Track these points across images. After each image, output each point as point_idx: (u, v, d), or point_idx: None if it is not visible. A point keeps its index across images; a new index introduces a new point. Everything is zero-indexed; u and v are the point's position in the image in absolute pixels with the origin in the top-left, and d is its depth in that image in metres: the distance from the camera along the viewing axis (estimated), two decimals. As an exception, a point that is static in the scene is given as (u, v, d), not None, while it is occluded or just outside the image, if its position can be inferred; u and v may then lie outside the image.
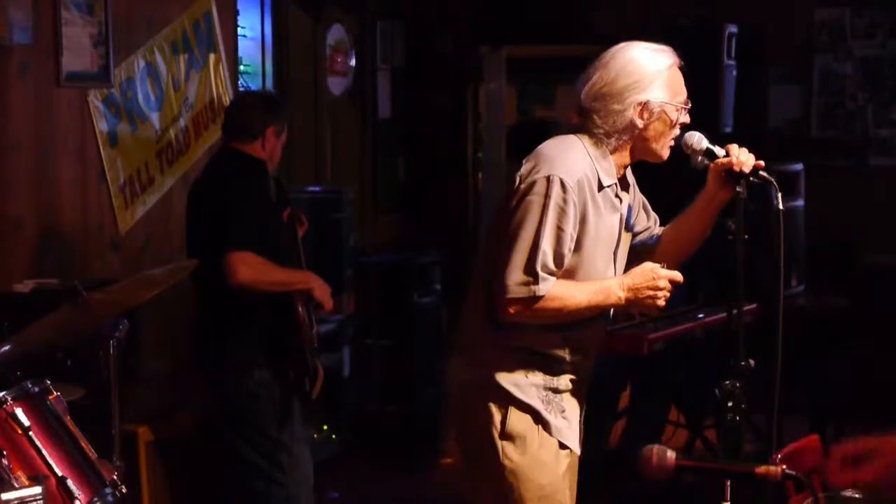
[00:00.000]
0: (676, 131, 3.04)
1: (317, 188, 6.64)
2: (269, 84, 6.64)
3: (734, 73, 6.43)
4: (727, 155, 3.00)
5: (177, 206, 5.32)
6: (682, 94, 3.03)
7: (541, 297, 2.92)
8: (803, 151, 7.27)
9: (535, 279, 2.91)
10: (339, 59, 7.23)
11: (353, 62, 7.36)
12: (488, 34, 8.12)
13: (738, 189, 2.95)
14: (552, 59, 8.28)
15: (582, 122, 3.04)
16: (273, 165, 4.40)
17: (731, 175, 2.97)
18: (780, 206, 2.85)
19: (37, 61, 4.86)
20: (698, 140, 3.04)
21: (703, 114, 3.25)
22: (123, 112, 5.33)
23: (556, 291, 2.94)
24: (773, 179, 2.93)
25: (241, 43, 6.33)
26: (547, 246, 2.91)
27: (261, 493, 4.26)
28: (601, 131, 3.01)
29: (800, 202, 6.39)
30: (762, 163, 2.97)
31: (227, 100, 5.86)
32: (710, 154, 3.02)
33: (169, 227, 5.46)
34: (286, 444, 4.27)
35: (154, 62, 5.53)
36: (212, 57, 5.92)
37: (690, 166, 3.07)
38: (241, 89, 6.18)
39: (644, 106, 2.98)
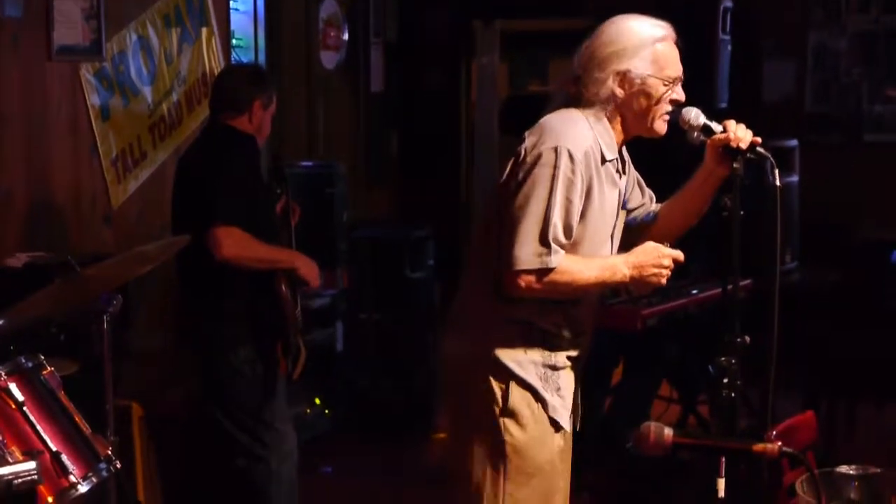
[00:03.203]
0: (666, 107, 3.01)
1: (309, 163, 6.62)
2: (262, 58, 6.60)
3: (729, 48, 6.41)
4: (724, 131, 2.98)
5: (169, 180, 5.27)
6: (672, 69, 3.00)
7: (552, 270, 2.91)
8: (797, 127, 7.27)
9: (548, 250, 2.90)
10: (331, 34, 7.20)
11: (345, 36, 7.33)
12: (481, 8, 8.10)
13: (734, 165, 2.93)
14: (545, 33, 8.26)
15: (576, 90, 3.03)
16: (262, 139, 4.37)
17: (728, 151, 2.96)
18: (778, 183, 2.84)
19: (28, 35, 4.83)
20: (695, 116, 3.02)
21: (698, 89, 3.24)
22: (115, 86, 5.30)
23: (566, 265, 2.93)
24: (769, 155, 2.92)
25: (234, 16, 6.30)
26: (557, 217, 2.91)
27: (244, 470, 4.27)
28: (588, 101, 3.00)
29: (794, 178, 6.38)
30: (759, 139, 2.97)
31: (219, 74, 5.83)
32: (707, 130, 3.01)
33: (161, 201, 5.43)
34: (269, 421, 4.28)
35: (146, 36, 5.50)
36: (204, 31, 5.89)
37: (687, 142, 3.06)
38: (233, 63, 6.15)
39: (623, 76, 2.98)
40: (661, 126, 3.05)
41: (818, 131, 7.47)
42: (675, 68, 3.02)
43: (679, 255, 3.00)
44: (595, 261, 3.00)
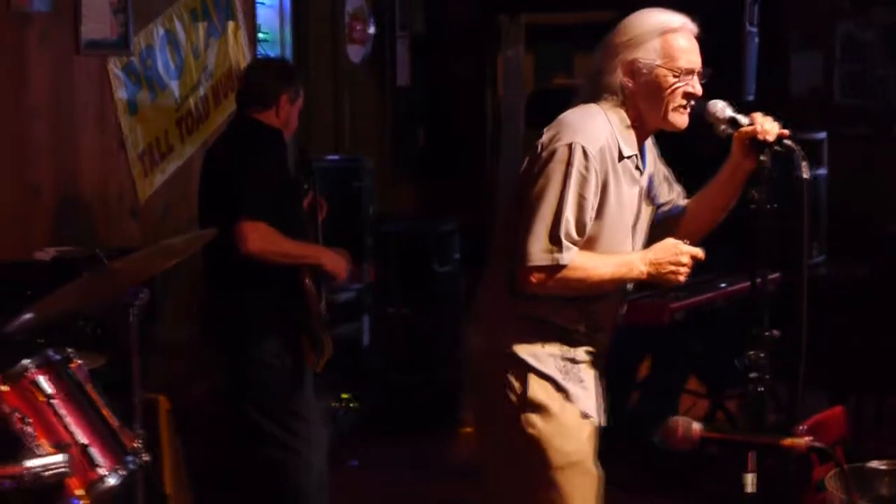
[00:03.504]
0: (680, 100, 2.98)
1: (336, 157, 6.63)
2: (288, 52, 6.61)
3: (756, 40, 6.37)
4: (751, 123, 2.96)
5: (196, 174, 5.27)
6: (684, 61, 2.97)
7: (564, 266, 2.90)
8: (825, 119, 7.22)
9: (559, 247, 2.89)
10: (357, 27, 7.20)
11: (371, 30, 7.33)
12: (506, 2, 8.08)
13: (761, 158, 2.91)
14: (571, 26, 8.25)
15: (596, 84, 3.02)
16: (289, 133, 4.38)
17: (755, 144, 2.94)
18: (806, 175, 2.82)
19: (56, 29, 4.85)
20: (722, 109, 3.00)
21: (725, 82, 3.21)
22: (143, 80, 5.32)
23: (579, 261, 2.92)
24: (797, 148, 2.90)
25: (260, 10, 6.31)
26: (570, 214, 2.90)
27: (276, 461, 4.27)
28: (606, 92, 3.00)
29: (822, 171, 6.35)
30: (787, 131, 2.94)
31: (245, 68, 5.85)
32: (733, 123, 2.99)
33: (188, 195, 5.45)
34: (300, 412, 4.28)
35: (173, 30, 5.51)
36: (230, 25, 5.90)
37: (713, 136, 3.04)
38: (260, 57, 6.16)
39: (630, 65, 2.97)
40: (677, 118, 3.01)
41: (846, 124, 7.41)
42: (688, 60, 2.98)
43: (699, 252, 2.99)
44: (611, 257, 2.99)
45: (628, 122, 3.01)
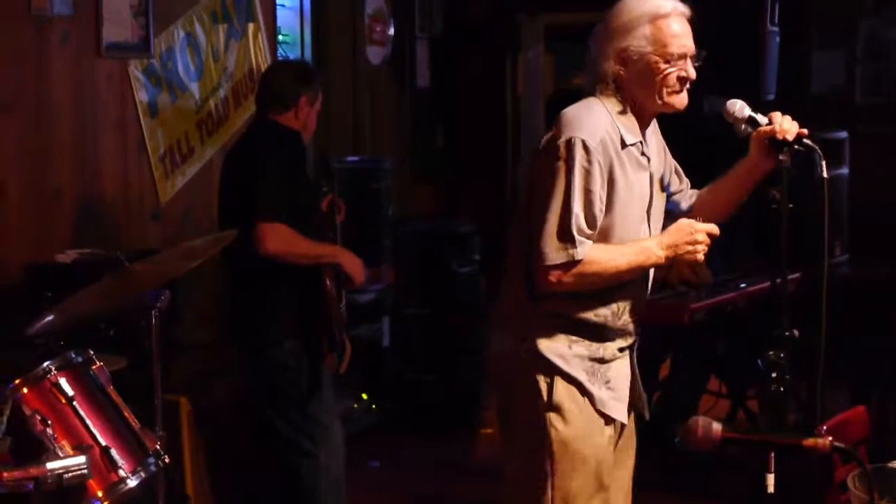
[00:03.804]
0: (674, 84, 2.97)
1: (355, 158, 6.63)
2: (308, 54, 6.63)
3: (777, 39, 6.34)
4: (770, 123, 2.96)
5: (216, 176, 5.29)
6: (675, 46, 2.95)
7: (579, 262, 2.90)
8: (847, 119, 7.18)
9: (573, 243, 2.89)
10: (377, 29, 7.21)
11: (391, 31, 7.33)
12: (526, 2, 8.07)
13: (781, 157, 2.90)
14: (591, 26, 8.22)
15: (591, 74, 3.02)
16: (308, 135, 4.39)
17: (774, 143, 2.93)
18: (825, 175, 2.80)
19: (77, 32, 4.87)
20: (740, 108, 3.00)
21: (746, 81, 3.21)
22: (163, 82, 5.34)
23: (594, 255, 2.92)
24: (816, 147, 2.89)
25: (280, 12, 6.32)
26: (578, 209, 2.89)
27: (293, 464, 4.28)
28: (601, 82, 2.99)
29: (844, 170, 6.31)
30: (805, 130, 2.93)
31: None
32: (752, 122, 2.98)
33: (209, 197, 5.46)
34: (317, 416, 4.29)
35: (194, 32, 5.53)
36: (251, 27, 5.92)
37: (731, 134, 3.03)
38: (279, 59, 6.17)
39: (620, 52, 2.97)
40: (674, 100, 2.99)
41: (868, 123, 7.37)
42: (680, 45, 2.97)
43: (713, 228, 2.98)
44: (627, 246, 2.98)
45: (626, 110, 3.00)
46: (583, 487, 3.04)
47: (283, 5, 6.41)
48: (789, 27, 6.51)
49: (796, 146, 2.91)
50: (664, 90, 2.97)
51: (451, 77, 7.92)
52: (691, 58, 2.99)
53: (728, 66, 3.06)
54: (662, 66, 2.95)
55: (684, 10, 3.00)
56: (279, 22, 6.30)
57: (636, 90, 2.99)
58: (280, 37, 6.36)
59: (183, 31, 5.46)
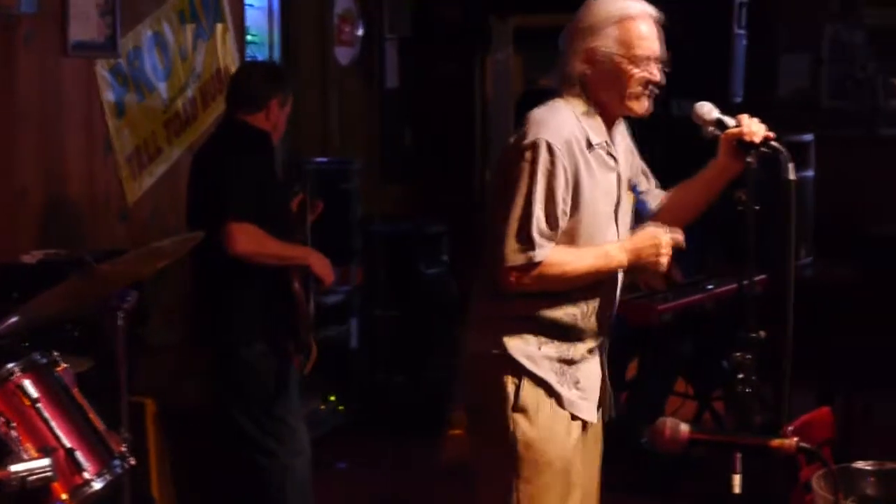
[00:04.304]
0: (638, 87, 2.99)
1: (324, 159, 6.62)
2: (276, 54, 6.61)
3: (744, 42, 6.38)
4: (738, 125, 2.97)
5: (184, 176, 5.26)
6: (642, 48, 2.97)
7: (539, 264, 2.91)
8: (813, 121, 7.23)
9: (532, 245, 2.90)
10: (346, 29, 7.20)
11: (360, 32, 7.33)
12: (495, 3, 8.08)
13: (748, 160, 2.92)
14: (560, 28, 8.24)
15: (559, 75, 3.03)
16: (278, 136, 4.38)
17: (741, 145, 2.95)
18: (792, 177, 2.82)
19: (43, 31, 4.84)
20: (708, 111, 3.02)
21: (713, 84, 3.23)
22: (130, 82, 5.31)
23: (555, 257, 2.93)
24: (784, 150, 2.91)
25: (248, 12, 6.30)
26: (539, 211, 2.91)
27: (259, 466, 4.27)
28: (567, 82, 3.00)
29: (809, 172, 6.35)
30: (772, 133, 2.95)
31: (233, 70, 5.84)
32: (720, 124, 3.00)
33: (176, 197, 5.44)
34: (283, 417, 4.28)
35: (161, 32, 5.50)
36: (219, 27, 5.89)
37: (701, 138, 3.05)
38: (247, 59, 6.15)
39: (587, 53, 2.98)
40: (635, 105, 3.01)
41: (834, 126, 7.43)
42: (647, 48, 2.99)
43: (678, 237, 2.99)
44: (588, 249, 2.99)
45: (592, 110, 3.01)
46: (549, 488, 3.05)
47: (251, 5, 6.39)
48: (756, 30, 6.55)
49: (763, 148, 2.93)
50: (627, 92, 2.98)
51: (421, 78, 7.92)
52: (659, 61, 3.00)
53: (696, 68, 3.08)
54: (628, 67, 2.96)
55: (653, 13, 3.02)
56: (248, 22, 6.28)
57: (600, 91, 3.00)
58: (248, 37, 6.34)
59: (150, 31, 5.43)
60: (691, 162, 3.15)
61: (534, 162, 2.91)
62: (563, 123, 2.96)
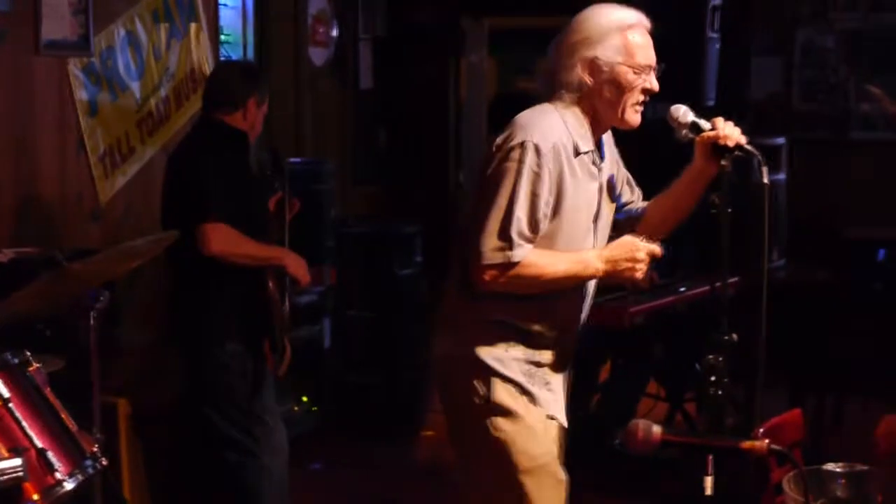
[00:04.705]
0: (638, 96, 3.01)
1: (297, 159, 6.61)
2: (250, 54, 6.60)
3: (717, 45, 6.41)
4: (713, 128, 2.98)
5: (157, 176, 5.26)
6: (642, 57, 2.99)
7: (516, 264, 2.91)
8: (785, 125, 7.28)
9: (510, 245, 2.90)
10: (320, 30, 7.19)
11: (334, 32, 7.32)
12: (470, 5, 8.09)
13: (722, 163, 2.93)
14: (533, 30, 8.26)
15: (550, 84, 3.03)
16: (254, 136, 4.37)
17: (716, 149, 2.96)
18: (766, 181, 2.84)
19: (15, 29, 4.81)
20: (684, 113, 3.02)
21: (686, 87, 3.24)
22: (103, 81, 5.29)
23: (532, 258, 2.93)
24: (757, 153, 2.92)
25: (222, 12, 6.28)
26: (521, 212, 2.91)
27: (235, 464, 4.26)
28: (563, 90, 3.00)
29: (782, 176, 6.39)
30: (744, 137, 2.97)
31: (207, 70, 5.83)
32: (695, 128, 3.01)
33: (149, 197, 5.42)
34: (259, 416, 4.27)
35: (135, 31, 5.48)
36: (193, 26, 5.87)
37: (673, 141, 3.06)
38: (221, 59, 6.14)
39: (591, 62, 2.98)
40: (632, 117, 3.03)
41: (805, 129, 7.48)
42: (646, 57, 3.01)
43: (656, 249, 3.00)
44: (566, 254, 3.00)
45: (582, 119, 3.02)
46: (540, 484, 3.05)
47: (225, 5, 6.37)
48: (729, 34, 6.58)
49: (738, 152, 2.94)
50: (629, 102, 3.00)
51: (395, 79, 7.92)
52: (654, 70, 3.02)
53: (669, 71, 3.08)
54: (631, 77, 2.98)
55: (647, 22, 3.04)
56: (221, 21, 6.26)
57: (600, 101, 3.01)
58: (222, 37, 6.33)
59: (123, 30, 5.41)
60: (666, 164, 3.16)
61: (520, 162, 2.91)
62: (551, 128, 2.96)
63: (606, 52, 2.97)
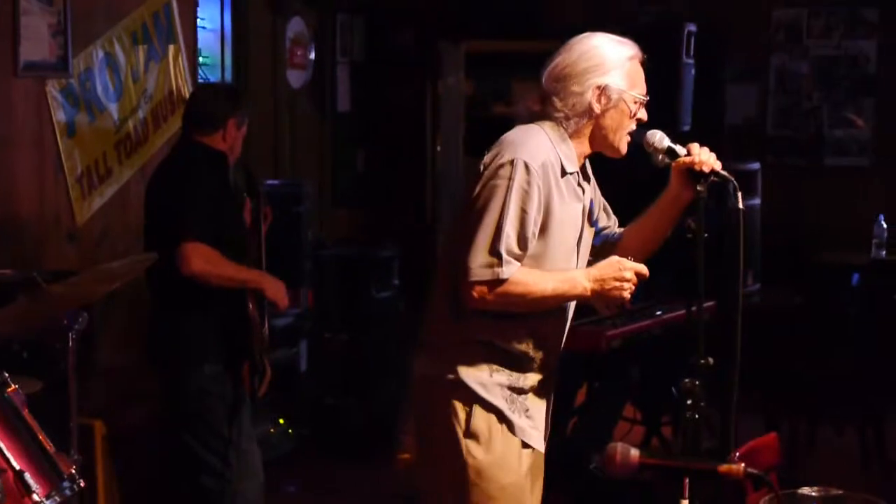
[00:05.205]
0: (633, 125, 3.05)
1: (275, 181, 6.61)
2: (228, 76, 6.61)
3: (693, 71, 6.47)
4: (688, 154, 3.02)
5: (134, 197, 5.29)
6: (642, 87, 3.05)
7: (504, 281, 2.92)
8: (759, 150, 7.35)
9: (500, 261, 2.91)
10: (298, 52, 7.21)
11: (312, 55, 7.34)
12: (447, 28, 8.14)
13: (698, 188, 2.96)
14: (510, 54, 8.31)
15: (542, 107, 3.06)
16: (234, 158, 4.38)
17: (692, 174, 2.99)
18: (741, 205, 2.87)
19: (-6, 50, 4.81)
20: (660, 139, 3.05)
21: (661, 112, 3.27)
22: (82, 102, 5.29)
23: (520, 276, 2.94)
24: (732, 179, 2.95)
25: (201, 34, 6.29)
26: (510, 229, 2.92)
27: (208, 489, 4.24)
28: (561, 115, 3.03)
29: (756, 201, 6.45)
30: (719, 163, 3.00)
31: (186, 92, 5.83)
32: (671, 153, 3.04)
33: (126, 219, 5.42)
34: (234, 440, 4.26)
35: (113, 53, 5.49)
36: (171, 48, 5.88)
37: (649, 165, 3.09)
38: (200, 81, 6.15)
39: (602, 90, 3.00)
40: (623, 145, 3.08)
41: (780, 154, 7.55)
42: (643, 87, 3.06)
43: (643, 269, 3.02)
44: (554, 273, 3.01)
45: (569, 141, 3.04)
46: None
47: (204, 27, 6.39)
48: (704, 60, 6.64)
49: (713, 177, 2.97)
50: (626, 131, 3.04)
51: (372, 102, 7.95)
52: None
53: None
54: (633, 106, 3.02)
55: (641, 53, 3.08)
56: (200, 44, 6.27)
57: (599, 128, 3.04)
58: (201, 59, 6.34)
59: (102, 52, 5.42)
60: (641, 189, 3.19)
61: (510, 179, 2.92)
62: (539, 147, 2.99)
63: (616, 81, 3.00)
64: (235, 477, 4.26)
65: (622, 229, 3.28)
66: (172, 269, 3.98)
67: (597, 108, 3.01)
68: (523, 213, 2.93)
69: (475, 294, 2.93)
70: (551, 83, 3.04)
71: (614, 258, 3.02)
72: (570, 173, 3.03)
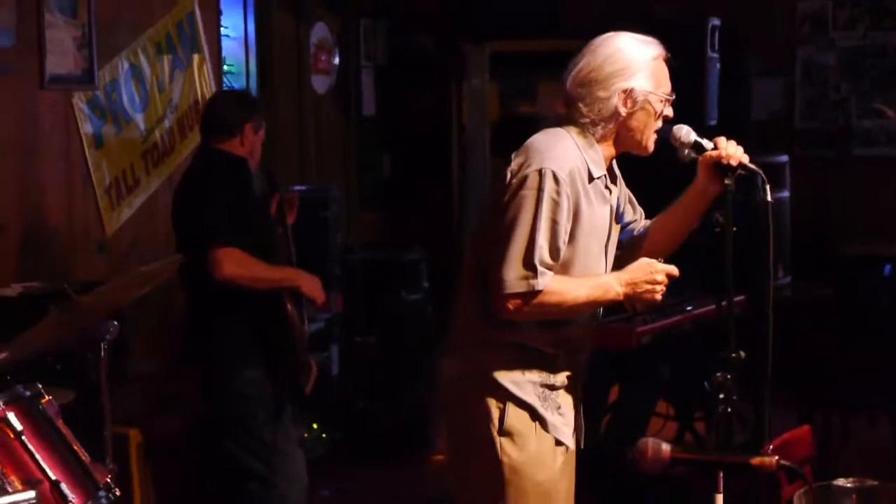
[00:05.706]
0: (660, 123, 3.05)
1: (302, 187, 6.63)
2: (253, 84, 6.63)
3: (717, 66, 6.44)
4: (715, 148, 3.01)
5: (162, 207, 5.31)
6: (667, 86, 3.04)
7: (539, 292, 2.92)
8: (787, 143, 7.31)
9: (534, 273, 2.90)
10: (322, 58, 7.23)
11: (336, 60, 7.36)
12: (471, 30, 8.14)
13: (726, 182, 2.95)
14: (534, 54, 8.30)
15: (568, 111, 3.05)
16: (255, 163, 4.39)
17: (719, 168, 2.98)
18: (769, 198, 2.85)
19: (20, 64, 4.85)
20: (686, 133, 3.04)
21: (687, 107, 3.26)
22: (108, 114, 5.32)
23: (554, 286, 2.94)
24: (760, 171, 2.94)
25: (225, 43, 6.32)
26: (542, 240, 2.91)
27: (252, 495, 4.24)
28: (587, 119, 3.01)
29: (785, 193, 6.41)
30: (747, 156, 2.99)
31: (211, 100, 5.85)
32: (698, 147, 3.03)
33: (155, 228, 5.46)
34: (277, 445, 4.26)
35: (138, 64, 5.52)
36: (196, 57, 5.91)
37: (676, 160, 3.08)
38: (221, 89, 6.17)
39: (628, 94, 2.99)
40: (651, 144, 3.07)
41: (807, 147, 7.51)
42: (668, 85, 3.05)
43: (673, 269, 3.01)
44: (586, 280, 3.01)
45: (595, 144, 3.04)
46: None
47: (227, 35, 6.41)
48: (729, 54, 6.61)
49: (741, 170, 2.96)
50: (653, 131, 3.03)
51: (397, 105, 7.96)
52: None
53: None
54: (659, 106, 3.01)
55: (664, 51, 3.07)
56: (224, 52, 6.30)
57: (627, 130, 3.03)
58: (225, 67, 6.36)
59: (127, 63, 5.45)
60: (668, 184, 3.18)
61: (539, 190, 2.91)
62: (566, 153, 2.98)
63: (641, 83, 2.99)
64: (280, 481, 4.26)
65: (648, 222, 3.27)
66: (206, 277, 3.99)
67: (623, 112, 3.00)
68: (554, 223, 2.92)
69: (510, 306, 2.93)
70: (576, 88, 3.02)
71: (644, 260, 3.01)
72: (598, 178, 3.03)
